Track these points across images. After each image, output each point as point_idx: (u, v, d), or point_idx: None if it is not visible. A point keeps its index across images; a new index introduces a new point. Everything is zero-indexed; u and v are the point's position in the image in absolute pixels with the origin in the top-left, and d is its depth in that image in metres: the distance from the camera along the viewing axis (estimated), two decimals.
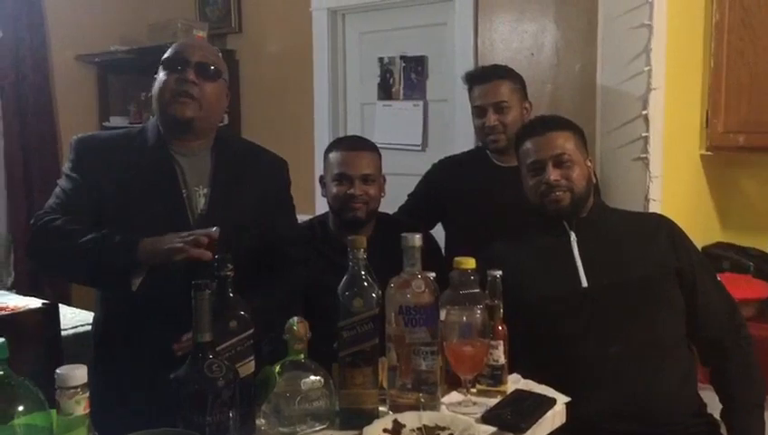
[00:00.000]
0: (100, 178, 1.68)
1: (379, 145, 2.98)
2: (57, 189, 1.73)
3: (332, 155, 2.15)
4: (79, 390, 0.93)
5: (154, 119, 1.78)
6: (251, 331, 1.30)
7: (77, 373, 0.92)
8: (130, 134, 1.81)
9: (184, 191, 1.72)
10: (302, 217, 2.37)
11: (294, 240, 1.91)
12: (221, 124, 3.88)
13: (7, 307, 2.25)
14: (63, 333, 2.30)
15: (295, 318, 1.31)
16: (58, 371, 0.92)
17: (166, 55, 1.73)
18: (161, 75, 1.72)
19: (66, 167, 1.74)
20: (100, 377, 1.69)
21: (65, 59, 3.84)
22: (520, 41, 2.86)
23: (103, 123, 3.98)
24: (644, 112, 2.46)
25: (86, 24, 3.85)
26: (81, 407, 0.93)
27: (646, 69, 2.45)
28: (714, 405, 1.84)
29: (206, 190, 1.73)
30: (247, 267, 1.60)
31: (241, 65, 3.94)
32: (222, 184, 1.75)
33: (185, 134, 1.72)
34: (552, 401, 1.45)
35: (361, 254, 1.34)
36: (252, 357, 1.30)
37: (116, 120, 3.94)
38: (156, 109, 1.75)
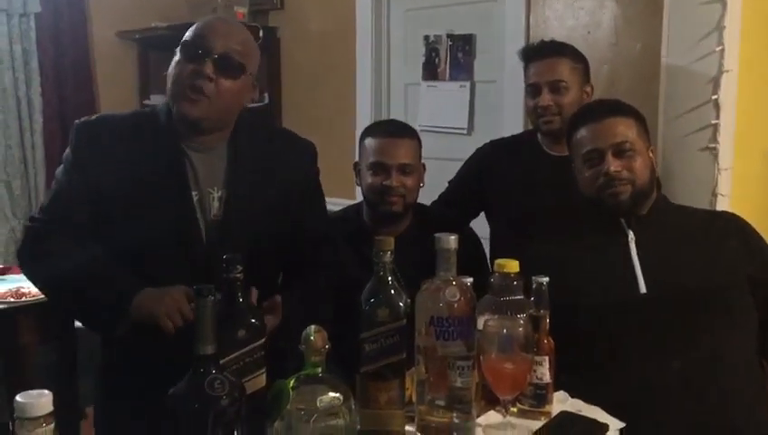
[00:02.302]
0: (101, 175, 1.50)
1: (422, 128, 2.85)
2: (54, 186, 1.57)
3: (368, 141, 1.98)
4: (42, 421, 0.80)
5: (166, 102, 1.58)
6: (262, 340, 1.17)
7: (40, 402, 0.79)
8: (139, 119, 1.61)
9: (195, 193, 1.53)
10: (341, 203, 2.24)
11: (323, 239, 1.71)
12: (260, 104, 3.84)
13: (29, 293, 2.19)
14: None
15: (312, 327, 1.17)
16: (18, 398, 0.79)
17: (187, 36, 1.52)
18: (177, 58, 1.50)
19: (66, 155, 1.57)
20: (107, 372, 1.61)
21: (105, 35, 3.78)
22: (575, 18, 2.66)
23: (144, 101, 3.92)
24: (714, 97, 2.24)
25: None
26: None
27: (718, 49, 2.23)
28: None
29: (220, 193, 1.54)
30: (268, 274, 1.46)
31: (282, 43, 3.86)
32: (239, 185, 1.55)
33: (192, 131, 1.53)
34: (605, 427, 1.29)
35: (388, 257, 1.19)
36: (263, 370, 1.17)
37: (156, 99, 3.87)
38: (168, 95, 1.55)
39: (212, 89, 1.46)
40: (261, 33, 3.78)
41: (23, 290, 2.22)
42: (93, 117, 1.60)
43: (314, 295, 1.62)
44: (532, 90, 2.15)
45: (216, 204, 1.53)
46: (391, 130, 2.00)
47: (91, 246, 1.49)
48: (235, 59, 1.49)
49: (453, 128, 3.19)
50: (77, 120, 1.58)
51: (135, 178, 1.49)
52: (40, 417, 0.79)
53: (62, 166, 1.57)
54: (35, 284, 1.64)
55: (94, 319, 1.51)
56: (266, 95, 3.92)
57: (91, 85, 3.69)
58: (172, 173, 1.52)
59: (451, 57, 3.20)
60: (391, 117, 3.38)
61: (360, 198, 2.11)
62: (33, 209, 3.55)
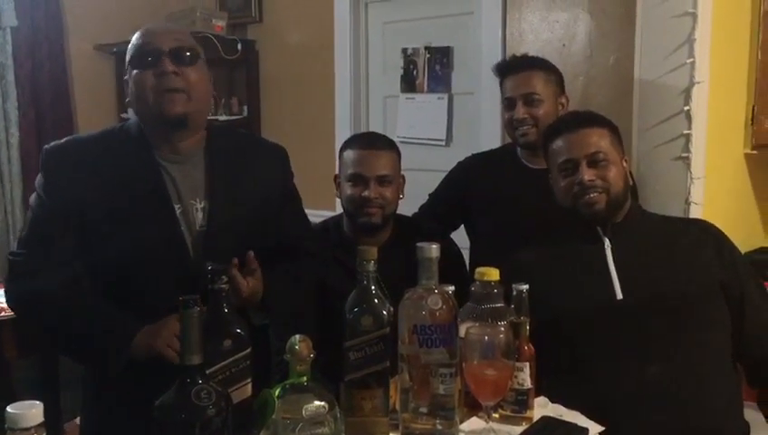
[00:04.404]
0: (78, 197, 1.47)
1: (401, 139, 2.87)
2: (30, 215, 1.52)
3: (347, 153, 2.00)
4: (33, 432, 0.80)
5: (135, 119, 1.57)
6: (247, 350, 1.18)
7: (31, 413, 0.79)
8: (109, 137, 1.57)
9: (178, 206, 1.52)
10: (321, 214, 2.26)
11: (304, 235, 1.75)
12: (239, 117, 3.84)
13: (7, 308, 2.16)
14: None
15: (297, 337, 1.19)
16: (8, 409, 0.80)
17: (132, 51, 1.50)
18: (134, 74, 1.49)
19: (38, 182, 1.53)
20: (96, 384, 1.60)
21: (83, 49, 3.76)
22: (550, 31, 2.71)
23: (121, 114, 3.90)
24: (686, 108, 2.29)
25: (104, 13, 3.77)
26: None
27: (688, 61, 2.28)
28: (758, 426, 1.69)
29: (203, 204, 1.54)
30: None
31: (261, 56, 3.88)
32: (220, 194, 1.55)
33: (178, 133, 1.53)
34: (584, 431, 1.31)
35: (371, 266, 1.21)
36: (249, 380, 1.18)
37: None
38: (138, 113, 1.53)
39: (181, 82, 1.47)
40: (239, 47, 3.82)
41: (0, 305, 2.20)
42: (62, 141, 1.57)
43: (297, 271, 1.65)
44: (508, 103, 2.18)
45: (199, 215, 1.53)
46: (370, 142, 2.02)
47: (81, 284, 1.48)
48: (186, 47, 1.50)
49: (431, 139, 3.23)
50: (45, 146, 1.56)
51: (115, 197, 1.48)
52: (30, 428, 0.80)
53: (35, 194, 1.54)
54: (30, 326, 1.63)
55: (92, 361, 1.50)
56: (245, 108, 3.93)
57: (68, 99, 3.67)
58: (152, 188, 1.51)
59: (429, 69, 3.23)
60: (370, 129, 3.40)
61: (340, 209, 2.12)
62: (9, 221, 3.52)
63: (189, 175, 1.55)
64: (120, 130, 1.58)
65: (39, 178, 1.54)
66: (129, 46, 1.52)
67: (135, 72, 1.50)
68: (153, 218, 1.49)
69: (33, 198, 1.54)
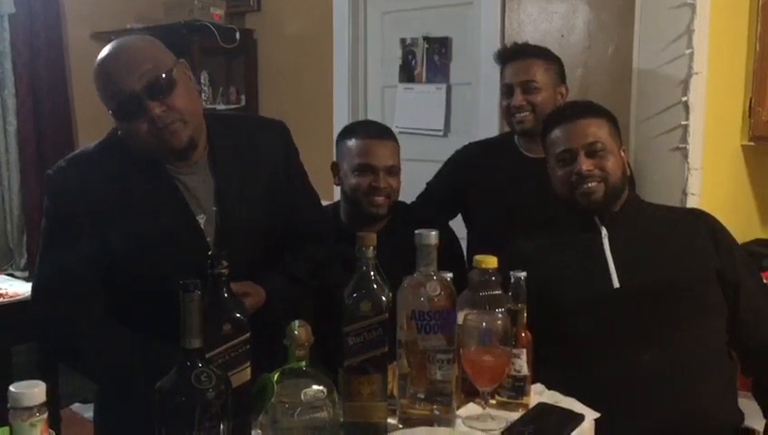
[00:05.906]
0: (95, 220, 1.43)
1: (399, 130, 2.87)
2: (44, 251, 1.46)
3: (352, 142, 1.99)
4: (35, 411, 0.81)
5: None
6: (247, 335, 1.18)
7: (33, 392, 0.80)
8: (112, 154, 1.49)
9: (201, 217, 1.50)
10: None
11: (315, 219, 1.75)
12: (237, 106, 3.83)
13: (6, 294, 2.17)
14: None
15: (296, 322, 1.19)
16: (11, 388, 0.80)
17: (108, 99, 1.41)
18: (122, 125, 1.44)
19: (47, 209, 1.48)
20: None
21: (80, 36, 3.75)
22: (549, 21, 2.71)
23: None
24: (684, 99, 2.30)
25: (102, 0, 3.76)
26: (37, 430, 0.81)
27: (687, 52, 2.28)
28: (752, 415, 1.70)
29: (214, 208, 1.52)
30: (266, 262, 1.50)
31: (259, 45, 3.87)
32: (230, 198, 1.53)
33: (190, 156, 1.50)
34: (580, 417, 1.32)
35: (371, 252, 1.22)
36: (248, 364, 1.18)
37: None
38: (142, 151, 1.46)
39: (172, 113, 1.41)
40: (237, 36, 3.81)
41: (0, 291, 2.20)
42: (63, 162, 1.50)
43: (296, 271, 1.64)
44: (506, 90, 2.19)
45: (218, 219, 1.52)
46: (376, 132, 2.01)
47: (113, 324, 1.46)
48: (159, 75, 1.40)
49: (429, 129, 3.23)
50: (48, 171, 1.50)
51: (134, 217, 1.45)
52: (33, 407, 0.81)
53: (44, 222, 1.49)
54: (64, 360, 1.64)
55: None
56: (243, 97, 3.92)
57: (65, 87, 3.66)
58: (173, 204, 1.48)
59: (427, 60, 3.23)
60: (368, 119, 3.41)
61: (337, 198, 2.12)
62: (6, 209, 3.52)
63: (202, 182, 1.52)
64: (121, 143, 1.48)
65: (47, 205, 1.49)
66: (99, 84, 1.42)
67: (122, 123, 1.44)
68: (181, 238, 1.48)
69: (44, 225, 1.50)
